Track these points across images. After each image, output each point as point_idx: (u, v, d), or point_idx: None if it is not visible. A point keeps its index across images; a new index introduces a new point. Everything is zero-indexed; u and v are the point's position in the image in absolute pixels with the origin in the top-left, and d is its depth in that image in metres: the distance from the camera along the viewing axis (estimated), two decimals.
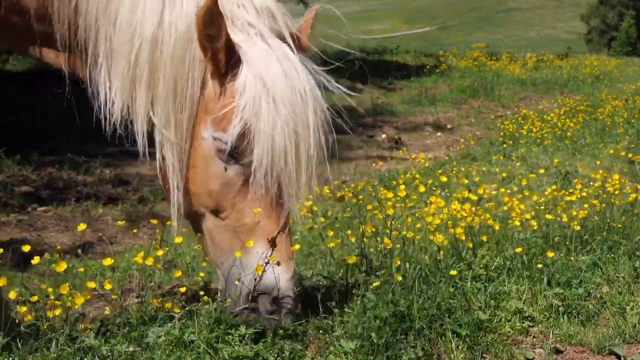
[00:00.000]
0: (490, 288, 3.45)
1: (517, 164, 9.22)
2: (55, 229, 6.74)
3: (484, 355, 3.02)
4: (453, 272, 3.46)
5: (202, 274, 3.78)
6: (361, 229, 3.79)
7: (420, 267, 3.50)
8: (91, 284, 2.90)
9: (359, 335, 2.84)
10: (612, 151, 8.99)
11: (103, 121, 2.71)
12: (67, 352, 2.58)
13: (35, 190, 7.88)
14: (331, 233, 3.99)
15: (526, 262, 3.81)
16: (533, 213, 4.64)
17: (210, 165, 2.71)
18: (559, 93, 17.99)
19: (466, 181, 6.32)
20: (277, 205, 2.71)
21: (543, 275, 3.64)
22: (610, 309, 3.54)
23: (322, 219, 5.75)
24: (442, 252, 3.78)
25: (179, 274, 3.23)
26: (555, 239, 4.25)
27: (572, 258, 4.02)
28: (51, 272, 2.92)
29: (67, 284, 2.90)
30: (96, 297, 3.40)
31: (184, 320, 2.83)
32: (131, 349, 2.68)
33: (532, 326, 3.30)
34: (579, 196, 5.09)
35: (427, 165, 9.07)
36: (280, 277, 2.68)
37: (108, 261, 3.08)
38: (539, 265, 3.72)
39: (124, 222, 4.11)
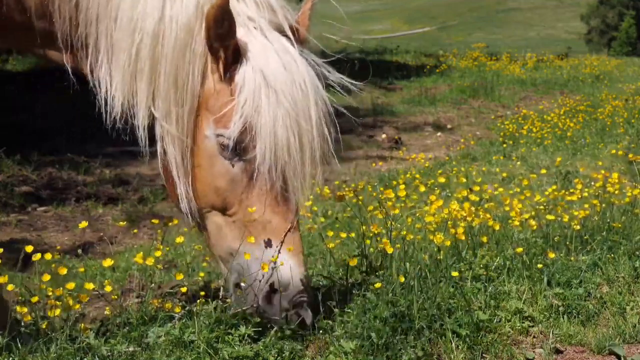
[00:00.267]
0: (490, 288, 3.45)
1: (517, 164, 9.22)
2: (55, 229, 6.74)
3: (484, 355, 3.02)
4: (454, 273, 3.46)
5: (202, 274, 3.78)
6: (362, 229, 3.79)
7: (420, 267, 3.50)
8: (90, 285, 2.90)
9: (359, 335, 2.84)
10: (613, 151, 9.00)
11: (104, 116, 2.71)
12: (67, 352, 2.58)
13: (35, 190, 7.88)
14: (331, 233, 3.99)
15: (526, 262, 3.81)
16: (533, 213, 4.64)
17: (215, 162, 2.70)
18: (559, 93, 17.99)
19: (464, 180, 6.33)
20: (285, 199, 2.71)
21: (543, 275, 3.64)
22: (610, 309, 3.54)
23: (322, 219, 5.74)
24: (442, 252, 3.78)
25: (180, 276, 3.22)
26: (555, 239, 4.25)
27: (572, 258, 4.02)
28: (51, 272, 2.92)
29: (73, 283, 2.90)
30: (96, 297, 3.40)
31: (184, 320, 2.83)
32: (131, 349, 2.68)
33: (532, 326, 3.30)
34: (580, 196, 5.09)
35: (427, 165, 9.06)
36: (293, 271, 2.67)
37: (108, 262, 3.08)
38: (539, 265, 3.72)
39: (124, 222, 4.10)
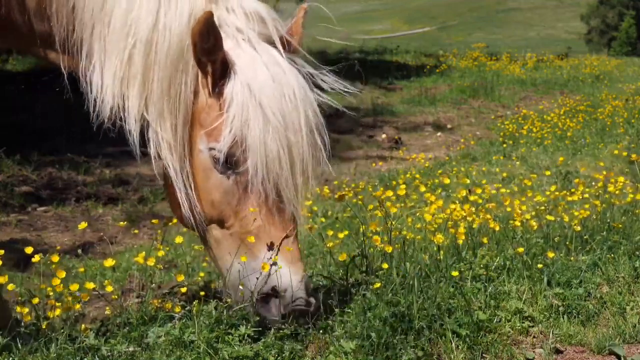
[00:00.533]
0: (490, 288, 3.45)
1: (517, 163, 9.22)
2: (55, 229, 6.74)
3: (484, 355, 3.02)
4: (454, 273, 3.46)
5: (202, 274, 3.78)
6: (362, 229, 3.79)
7: (420, 267, 3.50)
8: (90, 285, 2.90)
9: (359, 335, 2.84)
10: (616, 152, 9.00)
11: (92, 117, 2.72)
12: (67, 352, 2.58)
13: (35, 190, 7.88)
14: (331, 232, 3.99)
15: (526, 262, 3.81)
16: (533, 213, 4.64)
17: (210, 176, 2.72)
18: (559, 93, 17.99)
19: (467, 181, 6.33)
20: (280, 210, 2.72)
21: (543, 275, 3.64)
22: (610, 309, 3.54)
23: (322, 219, 5.75)
24: (442, 252, 3.78)
25: (181, 277, 3.23)
26: (556, 239, 4.25)
27: (572, 258, 4.02)
28: (51, 272, 2.92)
29: (77, 284, 2.90)
30: (96, 297, 3.40)
31: (184, 320, 2.83)
32: (131, 349, 2.68)
33: (532, 326, 3.30)
34: (581, 197, 5.09)
35: (427, 165, 9.07)
36: (291, 278, 2.68)
37: (109, 262, 3.08)
38: (539, 265, 3.72)
39: (124, 222, 4.10)
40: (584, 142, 10.91)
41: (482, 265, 3.66)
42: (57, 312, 2.83)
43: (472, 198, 4.61)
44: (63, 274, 2.87)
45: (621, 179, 5.31)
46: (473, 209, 4.29)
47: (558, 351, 3.15)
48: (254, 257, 2.70)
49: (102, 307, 3.60)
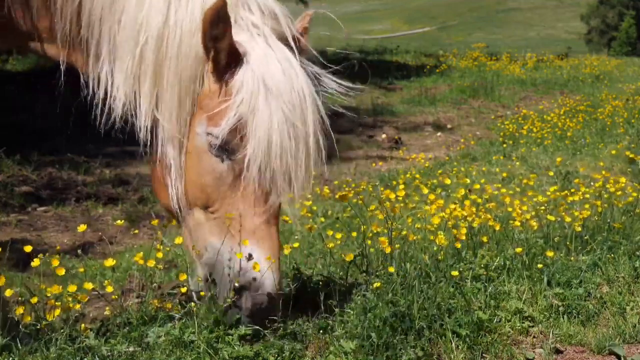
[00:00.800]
0: (490, 288, 3.45)
1: (517, 163, 9.22)
2: (55, 229, 6.74)
3: (484, 355, 3.02)
4: (454, 273, 3.46)
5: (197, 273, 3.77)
6: (362, 229, 3.79)
7: (420, 267, 3.50)
8: (89, 285, 2.90)
9: (359, 335, 2.84)
10: (614, 152, 9.00)
11: (99, 117, 2.73)
12: (67, 352, 2.58)
13: (35, 190, 7.88)
14: (331, 233, 3.98)
15: (526, 262, 3.81)
16: (534, 213, 4.64)
17: (203, 159, 2.73)
18: (559, 93, 17.99)
19: (468, 181, 6.33)
20: (267, 202, 2.72)
21: (543, 275, 3.64)
22: (610, 309, 3.54)
23: (322, 219, 5.74)
24: (442, 252, 3.78)
25: (184, 276, 3.22)
26: (556, 239, 4.25)
27: (572, 258, 4.02)
28: (51, 272, 2.92)
29: (75, 286, 2.90)
30: (96, 297, 3.40)
31: (184, 320, 2.83)
32: (131, 349, 2.68)
33: (532, 326, 3.30)
34: (581, 197, 5.09)
35: (427, 165, 9.06)
36: (265, 272, 2.67)
37: (110, 262, 3.08)
38: (539, 265, 3.73)
39: (122, 221, 4.10)
40: (584, 142, 10.90)
41: (482, 265, 3.66)
42: (57, 312, 2.82)
43: (472, 197, 4.61)
44: (63, 271, 2.86)
45: (622, 179, 5.31)
46: (473, 208, 4.29)
47: (558, 351, 3.15)
48: (235, 243, 2.70)
49: (102, 307, 3.60)
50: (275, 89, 2.66)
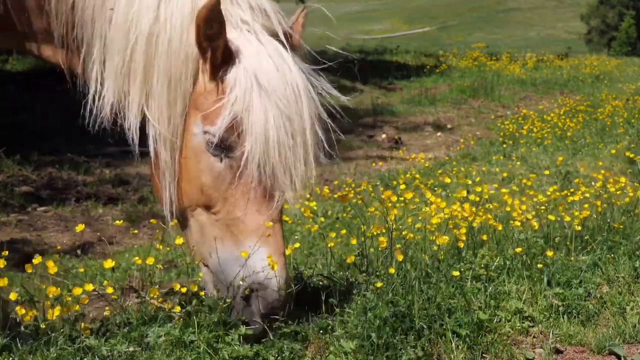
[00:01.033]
0: (490, 288, 3.45)
1: (517, 163, 9.22)
2: (55, 229, 6.75)
3: (484, 355, 3.02)
4: (454, 273, 3.46)
5: (202, 274, 3.77)
6: (362, 229, 3.78)
7: (421, 267, 3.50)
8: (89, 286, 2.90)
9: (359, 335, 2.84)
10: (614, 152, 9.00)
11: (88, 116, 2.72)
12: (67, 352, 2.58)
13: (35, 190, 7.89)
14: (334, 235, 3.99)
15: (526, 262, 3.80)
16: (534, 213, 4.64)
17: (202, 159, 2.72)
18: (559, 93, 17.99)
19: (469, 182, 6.32)
20: (270, 198, 2.71)
21: (543, 275, 3.64)
22: (610, 309, 3.54)
23: (322, 219, 5.74)
24: (442, 252, 3.78)
25: (177, 286, 3.22)
26: (556, 239, 4.25)
27: (572, 258, 4.02)
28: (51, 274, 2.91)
29: (80, 289, 2.90)
30: (96, 297, 3.40)
31: (184, 320, 2.83)
32: (131, 349, 2.68)
33: (532, 326, 3.30)
34: (582, 197, 5.09)
35: (427, 165, 9.07)
36: (273, 271, 2.67)
37: (109, 263, 3.07)
38: (539, 265, 3.72)
39: (122, 221, 4.10)
40: (584, 142, 10.91)
41: (482, 265, 3.66)
42: (57, 312, 2.82)
43: (471, 197, 4.60)
44: (55, 269, 2.85)
45: (622, 179, 5.31)
46: (474, 208, 4.29)
47: (558, 351, 3.15)
48: (240, 244, 2.69)
49: (102, 307, 3.60)
50: (268, 85, 2.64)
